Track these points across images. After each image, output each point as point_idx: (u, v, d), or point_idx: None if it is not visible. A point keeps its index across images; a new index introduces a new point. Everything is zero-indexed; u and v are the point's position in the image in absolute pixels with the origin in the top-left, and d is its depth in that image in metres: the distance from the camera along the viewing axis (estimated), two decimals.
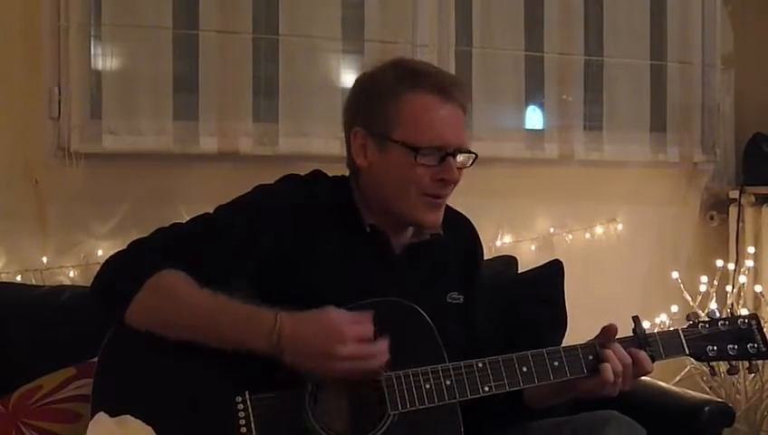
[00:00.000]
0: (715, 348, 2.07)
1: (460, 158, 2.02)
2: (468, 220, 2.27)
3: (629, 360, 1.97)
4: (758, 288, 3.38)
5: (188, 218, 2.03)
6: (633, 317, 2.06)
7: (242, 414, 1.82)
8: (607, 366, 1.95)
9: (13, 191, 2.77)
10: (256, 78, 3.00)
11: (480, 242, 2.30)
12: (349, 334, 1.78)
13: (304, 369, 1.81)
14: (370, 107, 2.03)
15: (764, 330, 2.12)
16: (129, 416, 1.70)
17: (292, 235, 1.97)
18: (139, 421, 1.70)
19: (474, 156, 2.05)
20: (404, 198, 2.01)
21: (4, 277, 2.70)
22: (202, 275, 1.89)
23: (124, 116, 2.84)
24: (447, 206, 2.14)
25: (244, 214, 1.98)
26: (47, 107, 2.77)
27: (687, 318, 2.13)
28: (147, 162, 2.88)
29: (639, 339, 2.03)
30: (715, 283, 3.40)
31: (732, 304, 3.37)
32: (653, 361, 2.02)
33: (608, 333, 2.00)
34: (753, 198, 3.55)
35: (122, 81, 2.87)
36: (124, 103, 2.85)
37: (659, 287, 3.48)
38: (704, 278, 3.42)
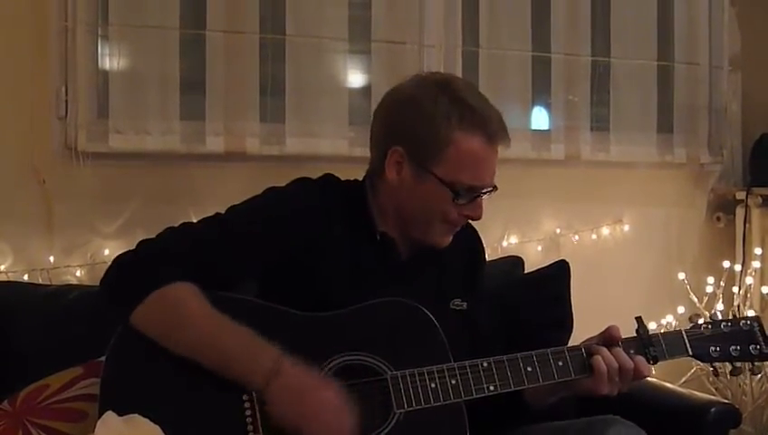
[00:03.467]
0: (718, 349, 2.08)
1: (486, 196, 2.05)
2: (473, 227, 2.27)
3: (616, 364, 1.97)
4: (765, 289, 3.38)
5: (196, 218, 2.04)
6: (636, 318, 2.07)
7: (248, 412, 1.82)
8: (600, 364, 1.96)
9: (20, 191, 2.77)
10: (263, 78, 3.00)
11: (483, 248, 2.32)
12: (333, 419, 1.80)
13: (277, 416, 1.80)
14: (416, 131, 2.00)
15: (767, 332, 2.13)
16: (137, 415, 1.71)
17: (303, 240, 1.98)
18: (147, 420, 1.70)
19: (495, 189, 2.07)
20: (425, 223, 2.04)
21: (12, 276, 2.70)
22: (210, 278, 1.89)
23: (131, 116, 2.84)
24: None
25: (256, 217, 1.99)
26: (54, 107, 2.78)
27: (690, 320, 2.14)
28: (154, 162, 2.88)
29: (643, 339, 2.04)
30: (722, 284, 3.40)
31: (738, 306, 3.37)
32: (656, 361, 2.03)
33: (609, 334, 2.01)
34: (759, 199, 3.54)
35: (129, 80, 2.87)
36: (131, 103, 2.85)
37: (666, 288, 3.48)
38: (710, 279, 3.42)
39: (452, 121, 1.97)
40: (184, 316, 1.85)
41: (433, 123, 1.98)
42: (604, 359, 1.97)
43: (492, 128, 2.00)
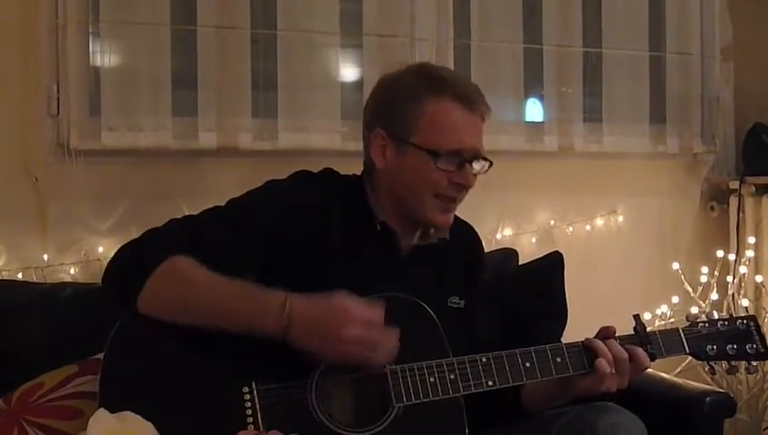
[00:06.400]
0: (715, 347, 2.09)
1: (477, 166, 2.06)
2: (473, 228, 2.31)
3: (625, 354, 1.99)
4: (759, 278, 3.38)
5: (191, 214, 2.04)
6: (634, 315, 2.08)
7: (248, 404, 1.83)
8: (601, 360, 1.97)
9: (13, 189, 2.77)
10: (255, 73, 3.00)
11: (483, 250, 2.34)
12: (358, 318, 1.80)
13: (310, 351, 1.81)
14: (393, 110, 2.05)
15: (763, 329, 2.14)
16: (129, 412, 1.70)
17: (303, 233, 1.99)
18: (140, 417, 1.70)
19: (489, 163, 2.08)
20: (418, 199, 2.04)
21: (6, 275, 2.70)
22: (212, 266, 1.89)
23: (123, 113, 2.83)
24: (454, 214, 2.17)
25: (257, 211, 2.00)
26: (46, 104, 2.77)
27: (687, 318, 2.15)
28: (146, 159, 2.88)
29: (640, 337, 2.05)
30: (716, 273, 3.40)
31: (733, 295, 3.37)
32: (653, 359, 2.04)
33: (605, 334, 2.02)
34: (753, 189, 3.55)
35: (121, 77, 2.87)
36: (123, 100, 2.84)
37: (660, 278, 3.49)
38: (704, 269, 3.43)
39: (421, 92, 2.03)
40: (190, 285, 1.86)
41: (406, 98, 2.04)
42: (600, 350, 1.98)
43: (464, 92, 2.04)
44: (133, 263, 1.90)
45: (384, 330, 1.82)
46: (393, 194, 2.07)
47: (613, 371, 1.97)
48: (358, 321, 1.80)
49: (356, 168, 2.18)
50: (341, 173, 2.16)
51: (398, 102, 2.05)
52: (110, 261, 1.95)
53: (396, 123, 2.04)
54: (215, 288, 1.85)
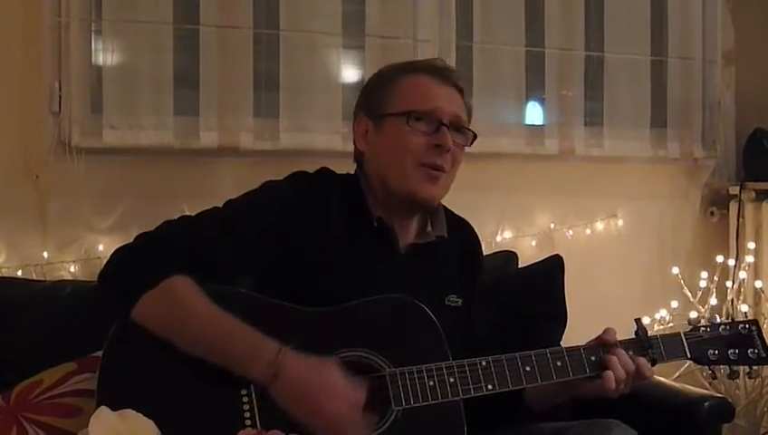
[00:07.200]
0: (716, 352, 2.09)
1: (459, 138, 2.08)
2: (471, 226, 2.30)
3: (633, 366, 1.98)
4: (758, 284, 3.38)
5: (190, 214, 2.03)
6: (635, 320, 2.07)
7: (246, 407, 1.83)
8: (609, 374, 1.96)
9: (13, 186, 2.77)
10: (257, 73, 3.00)
11: (481, 248, 2.34)
12: (344, 396, 1.80)
13: (287, 408, 1.80)
14: (371, 93, 2.13)
15: (765, 335, 2.13)
16: (130, 410, 1.70)
17: (302, 232, 1.99)
18: (141, 415, 1.69)
19: (473, 135, 2.11)
20: (400, 169, 2.04)
21: (5, 272, 2.70)
22: (208, 273, 1.89)
23: (125, 111, 2.83)
24: (451, 211, 2.18)
25: (254, 212, 1.99)
26: (48, 102, 2.77)
27: (688, 322, 2.14)
28: (147, 157, 2.87)
29: (642, 341, 2.04)
30: (716, 278, 3.41)
31: (732, 300, 3.37)
32: (655, 363, 2.04)
33: (606, 337, 2.01)
34: (753, 194, 3.55)
35: (123, 76, 2.87)
36: (125, 98, 2.84)
37: (660, 283, 3.49)
38: (704, 274, 3.43)
39: (399, 73, 2.12)
40: (186, 312, 1.85)
41: (383, 81, 2.12)
42: (620, 361, 1.97)
43: (435, 66, 2.14)
44: (130, 273, 1.89)
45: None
46: (380, 176, 2.08)
47: (621, 385, 1.97)
48: (343, 399, 1.79)
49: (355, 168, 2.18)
50: (338, 173, 2.16)
51: (375, 85, 2.15)
52: (107, 263, 1.94)
53: (373, 103, 2.11)
54: (210, 321, 1.84)
